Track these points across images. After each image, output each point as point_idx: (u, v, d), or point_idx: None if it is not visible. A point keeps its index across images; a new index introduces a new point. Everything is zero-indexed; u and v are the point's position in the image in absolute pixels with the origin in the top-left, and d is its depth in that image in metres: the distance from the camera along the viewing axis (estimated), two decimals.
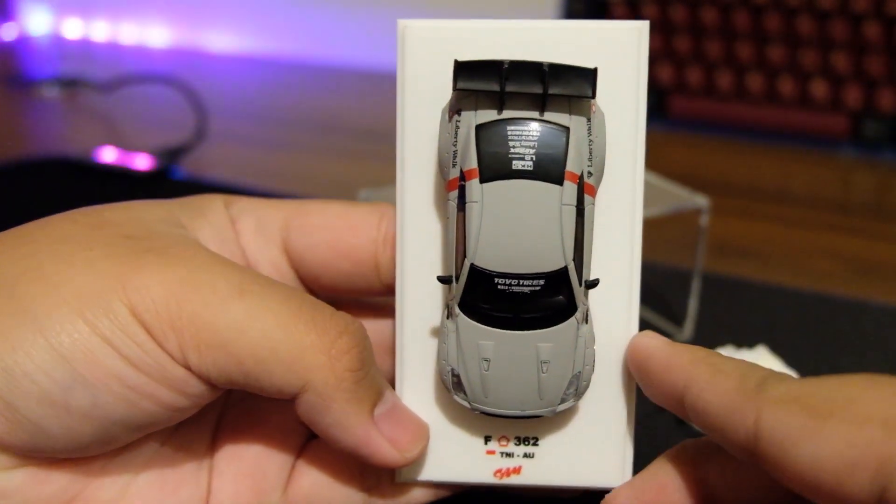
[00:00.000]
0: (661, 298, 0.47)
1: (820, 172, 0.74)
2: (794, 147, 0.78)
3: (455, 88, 0.25)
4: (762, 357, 0.41)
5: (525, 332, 0.25)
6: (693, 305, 0.45)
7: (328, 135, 0.81)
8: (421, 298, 0.27)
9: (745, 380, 0.23)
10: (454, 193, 0.25)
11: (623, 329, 0.27)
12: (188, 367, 0.24)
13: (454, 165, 0.25)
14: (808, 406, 0.21)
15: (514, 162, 0.24)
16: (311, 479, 0.28)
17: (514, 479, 0.28)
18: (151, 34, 1.06)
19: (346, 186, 0.61)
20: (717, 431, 0.23)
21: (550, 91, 0.24)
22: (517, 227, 0.25)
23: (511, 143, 0.24)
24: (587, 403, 0.27)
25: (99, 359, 0.23)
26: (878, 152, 0.76)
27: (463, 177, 0.25)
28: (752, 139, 0.78)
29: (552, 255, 0.25)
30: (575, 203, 0.24)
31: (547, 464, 0.28)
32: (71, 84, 0.89)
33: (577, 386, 0.26)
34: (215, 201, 0.29)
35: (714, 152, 0.76)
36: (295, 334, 0.24)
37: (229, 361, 0.24)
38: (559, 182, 0.24)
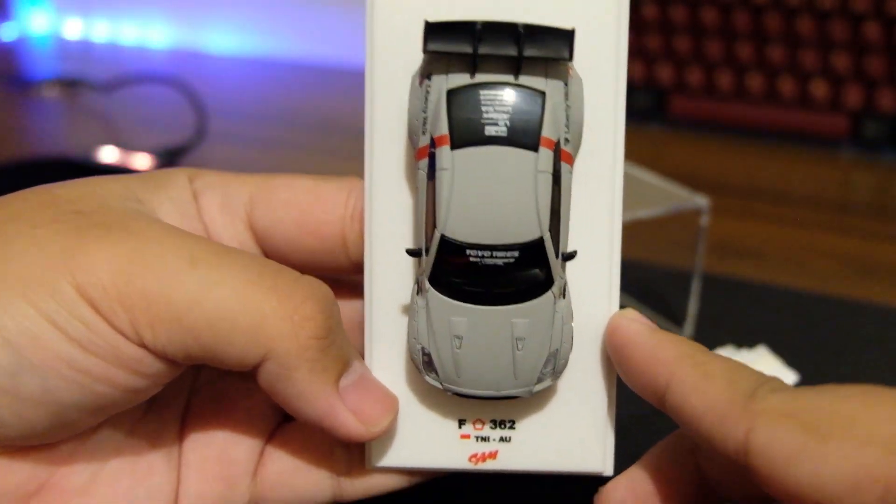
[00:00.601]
0: (661, 298, 0.47)
1: (820, 172, 0.74)
2: (794, 147, 0.78)
3: (425, 51, 0.23)
4: (762, 357, 0.41)
5: (499, 307, 0.24)
6: (693, 305, 0.45)
7: (328, 135, 0.81)
8: (390, 274, 0.26)
9: (734, 386, 0.22)
10: (424, 162, 0.24)
11: (603, 305, 0.26)
12: (143, 345, 0.23)
13: (424, 133, 0.24)
14: (805, 423, 0.20)
15: (486, 128, 0.23)
16: (281, 464, 0.27)
17: (489, 465, 0.26)
18: (151, 34, 1.06)
19: None
20: (703, 437, 0.22)
21: (526, 53, 0.23)
22: (490, 196, 0.23)
23: (484, 109, 0.23)
24: (565, 384, 0.26)
25: (46, 342, 0.22)
26: (878, 152, 0.76)
27: (433, 144, 0.24)
28: (751, 139, 0.78)
29: (527, 226, 0.23)
30: (551, 171, 0.23)
31: (524, 448, 0.26)
32: (71, 84, 0.89)
33: (555, 364, 0.25)
34: (178, 175, 0.28)
35: (714, 152, 0.76)
36: (254, 302, 0.23)
37: (185, 335, 0.23)
38: (534, 149, 0.23)
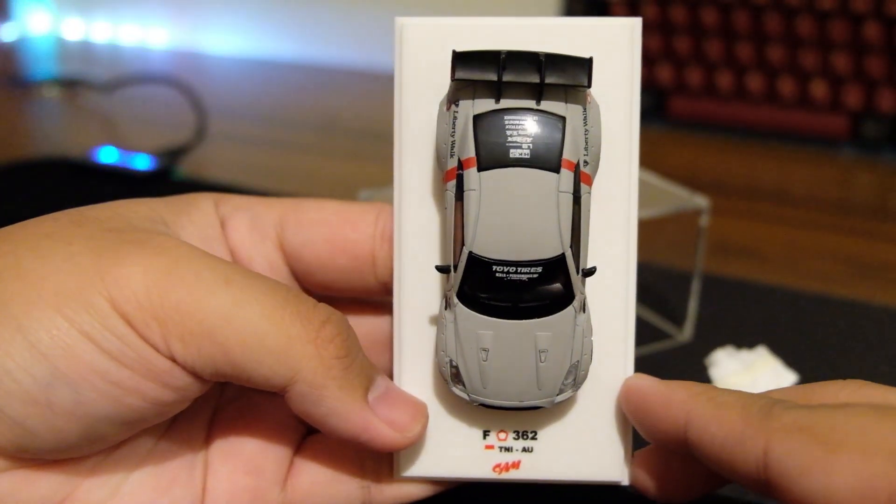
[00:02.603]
0: (661, 299, 0.47)
1: (820, 172, 0.74)
2: (794, 147, 0.78)
3: (453, 78, 0.25)
4: (762, 357, 0.41)
5: (523, 321, 0.25)
6: (693, 306, 0.45)
7: (328, 135, 0.81)
8: (419, 290, 0.27)
9: (748, 409, 0.23)
10: (452, 183, 0.25)
11: (620, 318, 0.27)
12: (173, 359, 0.23)
13: (452, 155, 0.25)
14: (817, 436, 0.21)
15: (511, 150, 0.25)
16: (310, 475, 0.28)
17: (513, 474, 0.27)
18: (151, 34, 1.06)
19: (346, 186, 0.61)
20: (725, 464, 0.23)
21: (547, 80, 0.24)
22: (515, 215, 0.25)
23: (508, 133, 0.25)
24: (585, 395, 0.27)
25: (79, 354, 0.22)
26: (878, 152, 0.76)
27: (461, 166, 0.25)
28: (751, 139, 0.78)
29: (550, 243, 0.25)
30: (571, 191, 0.25)
31: (546, 458, 0.27)
32: (71, 84, 0.89)
33: (576, 376, 0.26)
34: (203, 200, 0.29)
35: (714, 153, 0.76)
36: (281, 324, 0.24)
37: (215, 351, 0.23)
38: (556, 170, 0.24)
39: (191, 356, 0.23)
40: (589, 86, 0.25)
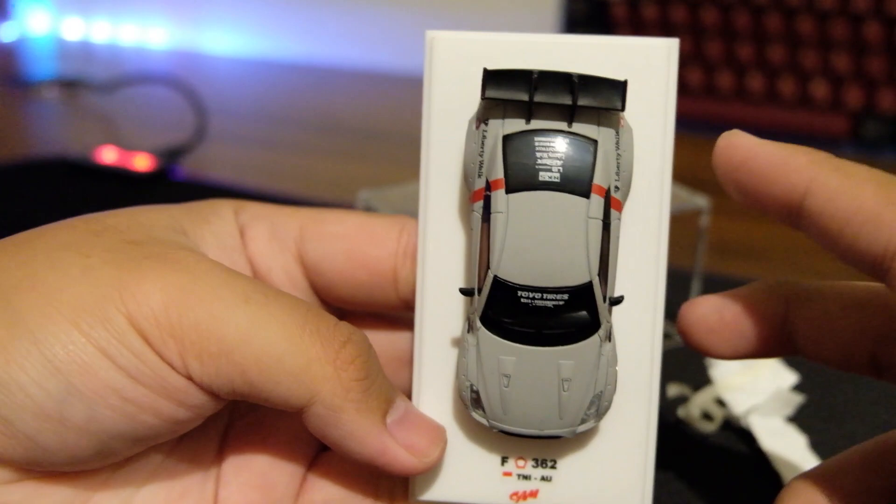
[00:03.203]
0: None
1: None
2: None
3: (483, 97, 0.24)
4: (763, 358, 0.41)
5: (547, 348, 0.25)
6: None
7: (328, 135, 0.81)
8: (442, 311, 0.27)
9: (886, 188, 0.21)
10: (479, 204, 0.25)
11: (646, 350, 0.26)
12: (189, 377, 0.23)
13: (480, 176, 0.25)
14: None
15: (540, 173, 0.24)
16: (323, 493, 0.27)
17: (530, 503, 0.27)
18: (151, 34, 1.06)
19: (346, 186, 0.61)
20: (845, 241, 0.21)
21: (579, 102, 0.24)
22: (542, 240, 0.24)
23: (538, 155, 0.24)
24: (607, 425, 0.27)
25: (94, 370, 0.22)
26: (878, 152, 0.76)
27: (489, 187, 0.24)
28: None
29: (577, 270, 0.24)
30: (601, 217, 0.24)
31: (565, 488, 0.27)
32: (71, 84, 0.89)
33: (598, 406, 0.25)
34: (223, 208, 0.28)
35: None
36: (301, 345, 0.23)
37: (232, 370, 0.23)
38: (586, 195, 0.24)
39: (208, 375, 0.23)
40: (622, 109, 0.24)
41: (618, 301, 0.25)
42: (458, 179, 0.27)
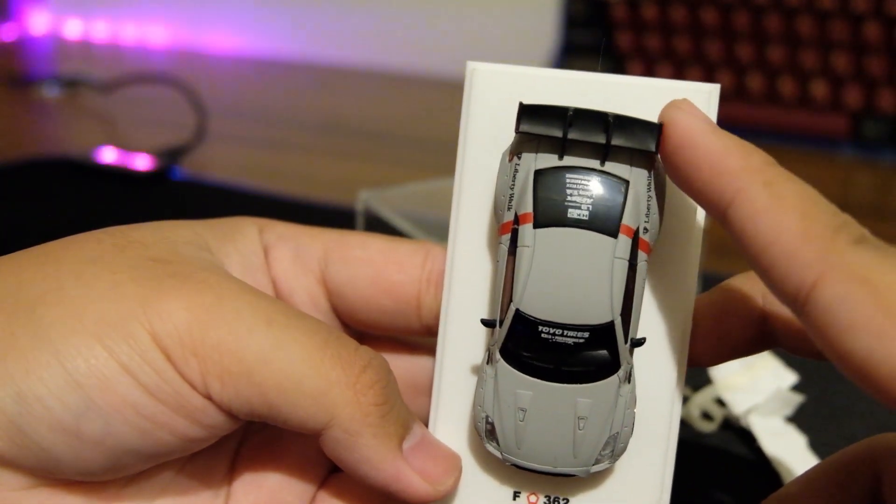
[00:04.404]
0: None
1: (820, 172, 0.74)
2: (794, 147, 0.78)
3: (517, 131, 0.24)
4: (762, 357, 0.41)
5: (565, 385, 0.25)
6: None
7: (328, 135, 0.81)
8: (463, 341, 0.27)
9: (809, 220, 0.20)
10: (506, 237, 0.25)
11: (667, 394, 0.26)
12: (209, 397, 0.23)
13: (509, 209, 0.25)
14: (882, 298, 0.18)
15: (569, 210, 0.24)
16: None
17: None
18: (151, 34, 1.06)
19: (346, 186, 0.61)
20: (762, 266, 0.21)
21: (613, 142, 0.24)
22: (567, 277, 0.24)
23: (568, 192, 0.24)
24: (623, 467, 0.26)
25: (114, 386, 0.22)
26: (878, 152, 0.76)
27: (517, 220, 0.24)
28: (752, 139, 0.78)
29: (600, 308, 0.24)
30: (627, 257, 0.24)
31: None
32: (71, 84, 0.89)
33: (614, 447, 0.25)
34: (248, 227, 0.28)
35: None
36: (321, 368, 0.23)
37: (252, 391, 0.23)
38: (613, 235, 0.24)
39: (227, 395, 0.23)
40: (656, 151, 0.24)
41: (639, 343, 0.25)
42: (488, 210, 0.27)
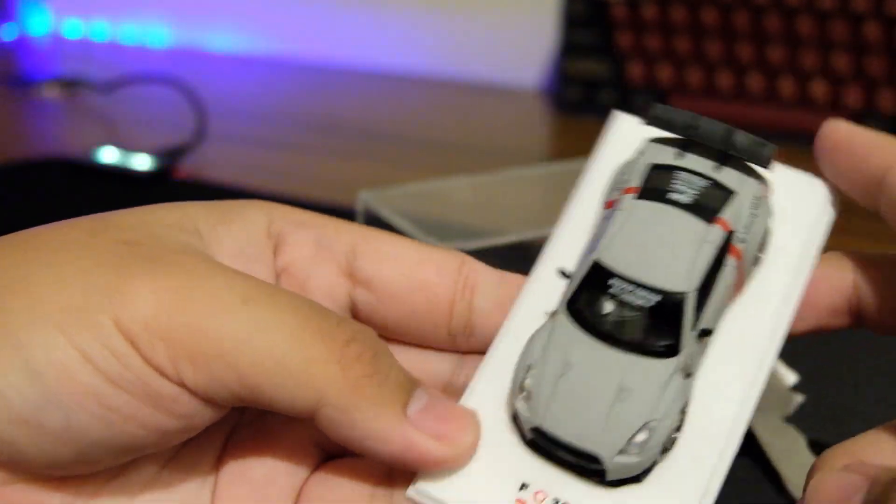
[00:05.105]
0: None
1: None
2: (794, 147, 0.77)
3: (647, 118, 0.27)
4: None
5: (619, 351, 0.24)
6: None
7: (328, 135, 0.81)
8: (526, 332, 0.26)
9: None
10: (609, 211, 0.26)
11: (727, 423, 0.24)
12: (182, 383, 0.22)
13: (618, 189, 0.26)
14: None
15: (673, 193, 0.25)
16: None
17: None
18: (151, 34, 1.06)
19: (346, 187, 0.61)
20: None
21: (730, 151, 0.26)
22: (654, 242, 0.24)
23: (676, 183, 0.25)
24: (653, 487, 0.24)
25: (75, 375, 0.21)
26: None
27: (622, 193, 0.26)
28: None
29: (676, 276, 0.24)
30: (717, 245, 0.24)
31: None
32: (71, 84, 0.89)
33: (648, 440, 0.23)
34: (252, 211, 0.26)
35: None
36: (302, 344, 0.22)
37: (229, 374, 0.22)
38: (708, 221, 0.25)
39: (202, 380, 0.22)
40: (766, 165, 0.26)
41: (707, 332, 0.24)
42: (582, 247, 0.27)
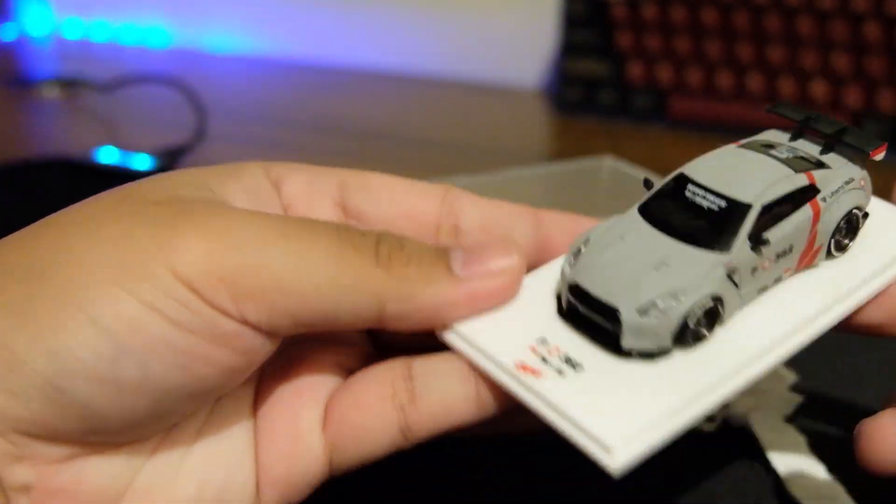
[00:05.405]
0: None
1: None
2: None
3: (770, 109, 0.30)
4: None
5: (673, 239, 0.26)
6: None
7: (328, 135, 0.81)
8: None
9: None
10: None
11: (748, 353, 0.25)
12: (244, 320, 0.23)
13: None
14: None
15: (773, 151, 0.28)
16: (345, 412, 0.27)
17: (525, 379, 0.24)
18: (151, 34, 1.06)
19: None
20: None
21: (837, 138, 0.29)
22: (740, 169, 0.27)
23: (779, 148, 0.28)
24: (655, 371, 0.24)
25: (144, 326, 0.22)
26: None
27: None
28: None
29: (749, 190, 0.26)
30: (797, 186, 0.26)
31: (564, 391, 0.24)
32: (71, 84, 0.89)
33: (669, 310, 0.24)
34: (251, 167, 0.28)
35: None
36: (346, 262, 0.24)
37: (289, 303, 0.23)
38: (796, 171, 0.27)
39: (264, 314, 0.23)
40: (867, 153, 0.28)
41: (761, 241, 0.25)
42: None
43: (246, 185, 0.27)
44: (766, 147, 0.28)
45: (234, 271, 0.23)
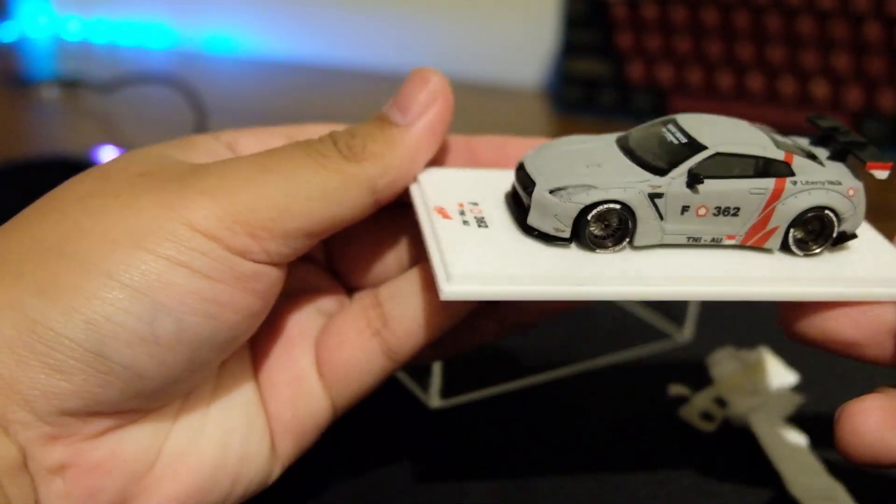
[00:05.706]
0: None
1: None
2: None
3: (807, 118, 0.32)
4: (763, 358, 0.41)
5: (628, 159, 0.27)
6: (693, 305, 0.45)
7: None
8: None
9: None
10: None
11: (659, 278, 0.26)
12: (266, 252, 0.25)
13: None
14: None
15: (773, 136, 0.29)
16: (332, 350, 0.29)
17: (434, 217, 0.27)
18: (151, 34, 1.06)
19: None
20: None
21: (842, 141, 0.29)
22: (723, 127, 0.28)
23: (786, 139, 0.29)
24: (544, 250, 0.26)
25: (173, 281, 0.23)
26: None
27: None
28: None
29: (710, 141, 0.27)
30: (767, 157, 0.27)
31: (457, 233, 0.27)
32: (71, 84, 0.89)
33: (573, 193, 0.26)
34: (202, 137, 0.30)
35: None
36: (324, 170, 0.26)
37: (300, 221, 0.25)
38: (777, 148, 0.27)
39: (281, 239, 0.25)
40: (863, 161, 0.29)
41: (698, 180, 0.26)
42: None
43: (203, 151, 0.29)
44: (774, 134, 0.29)
45: (244, 212, 0.24)
